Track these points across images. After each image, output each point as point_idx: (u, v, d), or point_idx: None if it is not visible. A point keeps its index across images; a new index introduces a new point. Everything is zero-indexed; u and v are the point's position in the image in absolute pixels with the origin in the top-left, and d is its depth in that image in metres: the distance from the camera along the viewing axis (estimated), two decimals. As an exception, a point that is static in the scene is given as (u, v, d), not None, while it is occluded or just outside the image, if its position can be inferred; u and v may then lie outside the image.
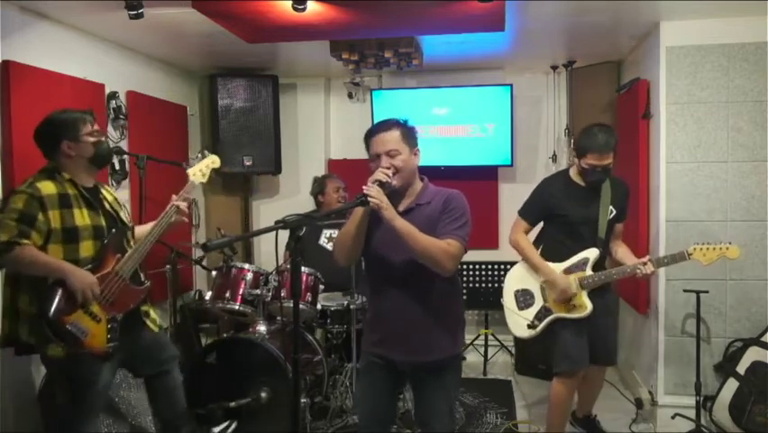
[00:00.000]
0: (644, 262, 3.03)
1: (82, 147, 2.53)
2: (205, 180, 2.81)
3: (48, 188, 2.43)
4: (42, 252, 2.39)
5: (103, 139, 2.63)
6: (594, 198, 3.13)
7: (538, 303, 3.16)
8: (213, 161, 2.85)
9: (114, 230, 2.59)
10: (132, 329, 2.66)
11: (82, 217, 2.49)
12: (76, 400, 2.52)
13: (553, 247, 3.18)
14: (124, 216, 2.74)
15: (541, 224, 3.29)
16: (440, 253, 2.22)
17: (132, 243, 2.70)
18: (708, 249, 3.00)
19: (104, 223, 2.56)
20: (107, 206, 2.66)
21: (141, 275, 2.70)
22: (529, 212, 3.23)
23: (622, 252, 3.26)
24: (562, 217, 3.14)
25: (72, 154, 2.52)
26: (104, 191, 2.70)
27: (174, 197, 2.69)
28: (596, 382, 3.45)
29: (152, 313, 2.82)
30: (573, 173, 3.19)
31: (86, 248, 2.48)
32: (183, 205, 2.68)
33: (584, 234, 3.12)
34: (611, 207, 3.13)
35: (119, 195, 2.88)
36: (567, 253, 3.14)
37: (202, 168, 2.81)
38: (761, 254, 3.55)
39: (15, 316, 2.49)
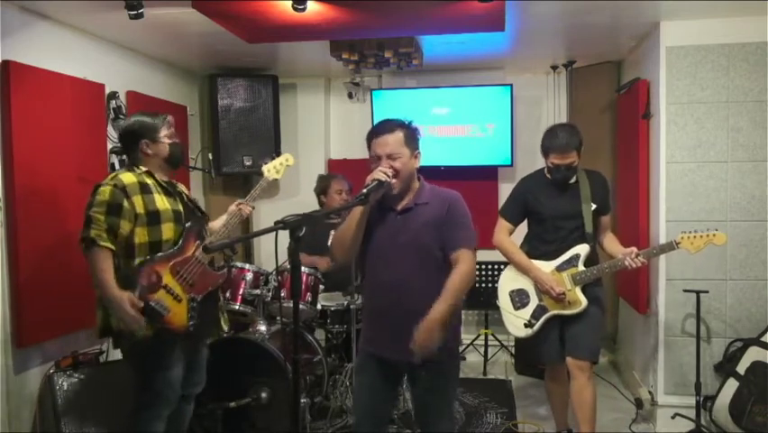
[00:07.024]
0: (630, 254, 3.01)
1: (159, 147, 2.74)
2: (279, 177, 2.98)
3: (128, 178, 2.64)
4: (113, 260, 2.54)
5: (177, 141, 2.82)
6: (572, 194, 3.14)
7: (534, 302, 3.15)
8: (287, 158, 3.02)
9: (193, 218, 2.79)
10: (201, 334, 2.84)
11: (162, 202, 2.68)
12: (152, 388, 2.66)
13: (540, 246, 3.19)
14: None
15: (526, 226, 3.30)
16: (468, 278, 2.37)
17: (207, 232, 2.90)
18: (695, 237, 3.01)
19: (181, 208, 2.75)
20: (185, 197, 2.88)
21: (216, 263, 2.91)
22: (509, 210, 3.26)
23: (607, 241, 3.25)
24: (540, 214, 3.16)
25: (149, 153, 2.72)
26: (180, 186, 2.93)
27: (237, 200, 2.92)
28: (576, 384, 3.06)
29: (225, 314, 3.00)
30: (547, 171, 3.22)
31: (168, 230, 2.67)
32: (247, 210, 2.93)
33: (568, 230, 3.12)
34: (591, 202, 3.14)
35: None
36: (554, 250, 3.14)
37: (276, 165, 2.98)
38: (761, 254, 3.55)
39: (105, 307, 2.62)
